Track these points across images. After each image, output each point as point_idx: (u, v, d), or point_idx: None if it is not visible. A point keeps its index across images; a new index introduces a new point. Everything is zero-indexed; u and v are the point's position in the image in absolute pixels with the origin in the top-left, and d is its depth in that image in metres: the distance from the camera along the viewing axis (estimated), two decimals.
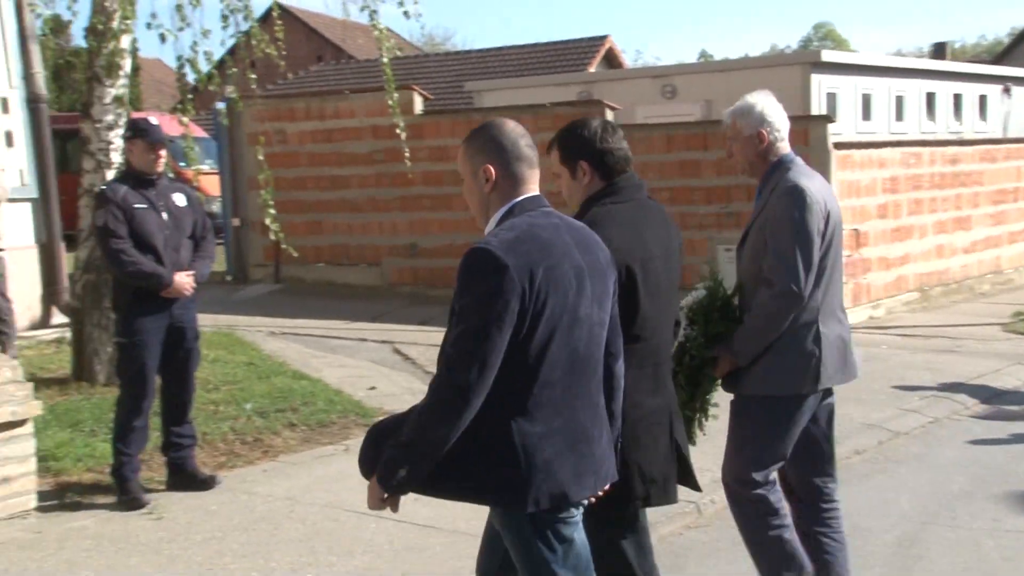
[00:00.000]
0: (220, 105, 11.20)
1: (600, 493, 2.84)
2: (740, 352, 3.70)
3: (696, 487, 3.46)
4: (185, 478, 5.55)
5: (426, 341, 9.97)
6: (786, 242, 3.64)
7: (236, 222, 14.07)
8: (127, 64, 7.07)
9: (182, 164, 15.19)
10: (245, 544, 4.78)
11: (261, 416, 6.91)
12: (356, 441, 6.63)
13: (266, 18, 9.69)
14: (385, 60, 8.49)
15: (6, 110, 9.35)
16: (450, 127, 12.60)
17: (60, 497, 5.42)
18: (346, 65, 15.46)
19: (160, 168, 5.40)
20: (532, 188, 2.86)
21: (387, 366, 9.09)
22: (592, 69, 25.63)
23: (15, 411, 5.08)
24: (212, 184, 16.04)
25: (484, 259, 2.65)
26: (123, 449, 5.28)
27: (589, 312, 2.78)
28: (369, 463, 2.80)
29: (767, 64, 18.60)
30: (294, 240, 13.68)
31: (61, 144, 14.30)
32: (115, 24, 6.92)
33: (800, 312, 3.65)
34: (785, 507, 3.79)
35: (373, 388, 8.07)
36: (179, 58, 7.30)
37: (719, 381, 3.80)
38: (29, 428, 5.20)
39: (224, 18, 7.45)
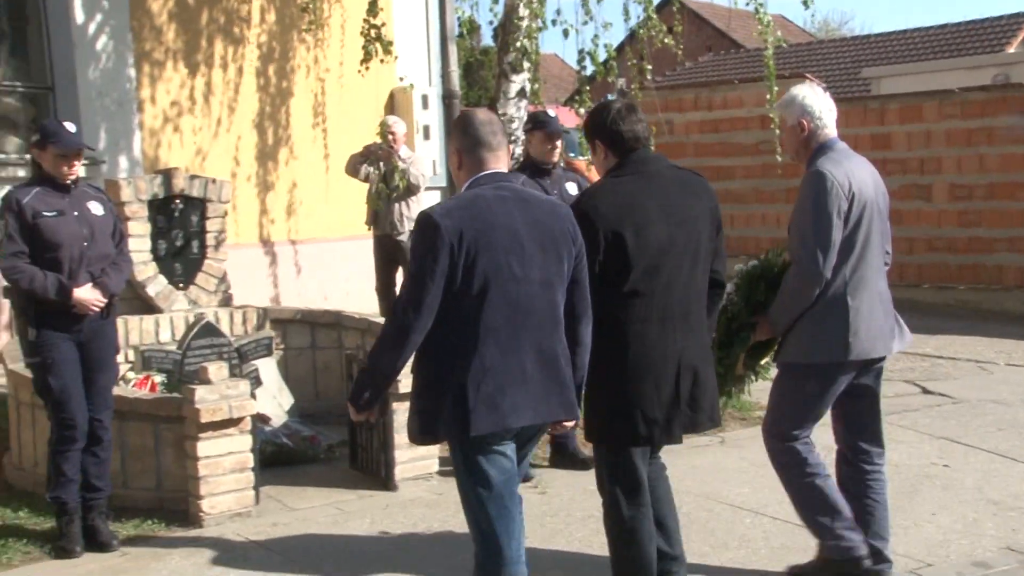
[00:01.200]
0: (613, 97, 11.55)
1: (540, 423, 3.33)
2: (774, 322, 4.11)
3: (697, 429, 3.87)
4: (567, 458, 5.80)
5: None
6: (805, 224, 4.01)
7: None
8: (532, 60, 7.51)
9: (572, 154, 15.83)
10: None
11: None
12: (732, 433, 6.60)
13: (661, 8, 9.81)
14: (769, 52, 8.32)
15: (426, 106, 10.29)
16: (843, 116, 12.05)
17: None
18: (735, 55, 15.30)
19: (555, 158, 5.69)
20: (493, 167, 3.38)
21: None
22: (1011, 50, 23.30)
23: None
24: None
25: (424, 221, 3.26)
26: None
27: (527, 272, 3.27)
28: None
29: None
30: None
31: None
32: (525, 23, 7.36)
33: (827, 287, 3.97)
34: (816, 458, 4.18)
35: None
36: (580, 51, 7.64)
37: (768, 348, 4.23)
38: None
39: (625, 10, 7.69)
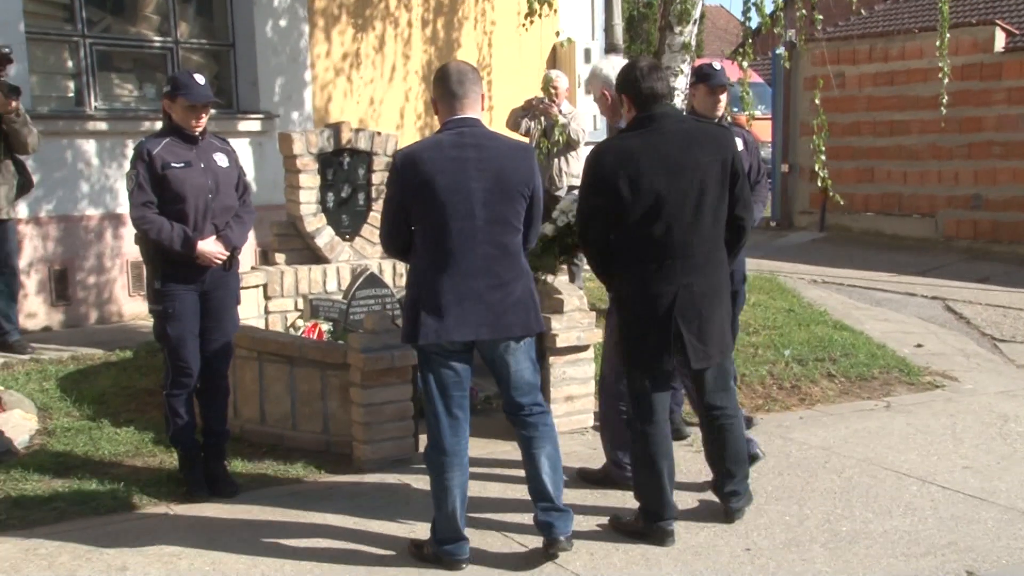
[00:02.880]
0: (779, 50, 11.20)
1: (492, 339, 3.87)
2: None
3: (689, 363, 4.13)
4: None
5: (984, 300, 9.22)
6: None
7: (785, 168, 14.02)
8: (697, 12, 7.33)
9: (735, 109, 15.44)
10: (779, 488, 4.83)
11: (799, 363, 6.89)
12: (898, 398, 6.39)
13: None
14: None
15: (588, 60, 10.22)
16: None
17: None
18: (914, 2, 14.46)
19: (720, 111, 5.54)
20: (460, 113, 3.90)
21: (937, 323, 8.55)
22: None
23: (580, 336, 5.60)
24: (763, 130, 16.12)
25: (392, 156, 3.96)
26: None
27: (472, 208, 3.79)
28: None
29: None
30: (843, 188, 13.29)
31: None
32: None
33: None
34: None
35: (920, 346, 7.65)
36: (745, 2, 7.40)
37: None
38: (590, 353, 5.71)
39: None
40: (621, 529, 4.30)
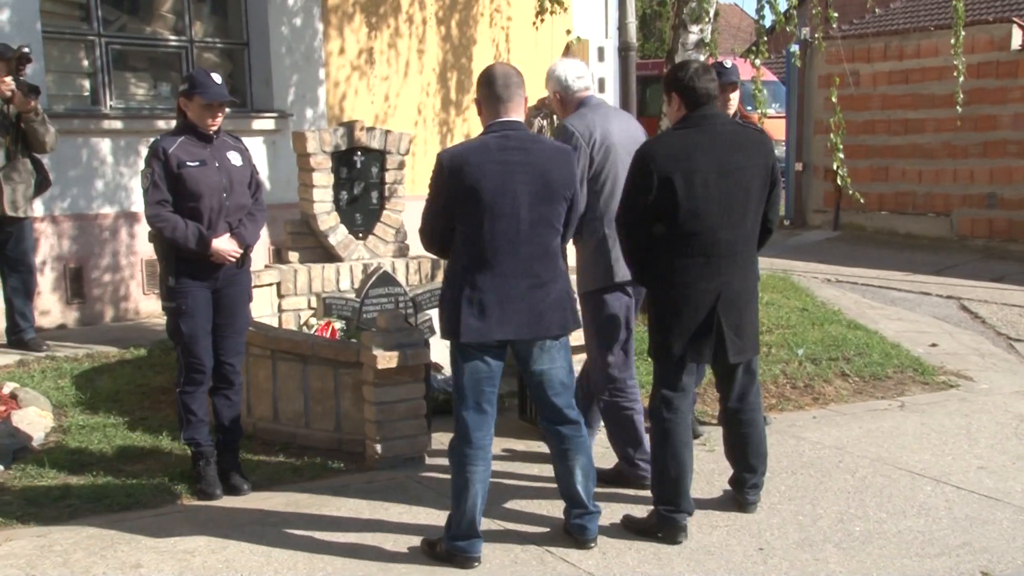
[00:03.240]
0: (794, 47, 11.17)
1: (531, 337, 3.93)
2: None
3: (726, 357, 4.22)
4: None
5: (1000, 300, 9.18)
6: None
7: (799, 167, 13.98)
8: (711, 10, 7.31)
9: (748, 108, 15.40)
10: (792, 487, 4.82)
11: (813, 362, 6.87)
12: (912, 398, 6.36)
13: None
14: None
15: (601, 58, 10.22)
16: None
17: None
18: (930, 0, 14.39)
19: (732, 109, 5.54)
20: (504, 116, 3.94)
21: (951, 323, 8.52)
22: None
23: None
24: (777, 128, 16.08)
25: (438, 158, 3.92)
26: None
27: (516, 210, 3.84)
28: None
29: None
30: (857, 186, 13.24)
31: (642, 89, 15.26)
32: None
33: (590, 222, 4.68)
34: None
35: (934, 345, 7.62)
36: (759, 0, 7.38)
37: None
38: None
39: None
40: (633, 527, 4.32)
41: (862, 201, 9.12)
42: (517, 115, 3.98)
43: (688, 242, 4.14)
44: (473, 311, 3.85)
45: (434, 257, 7.22)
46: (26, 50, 6.62)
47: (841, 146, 7.67)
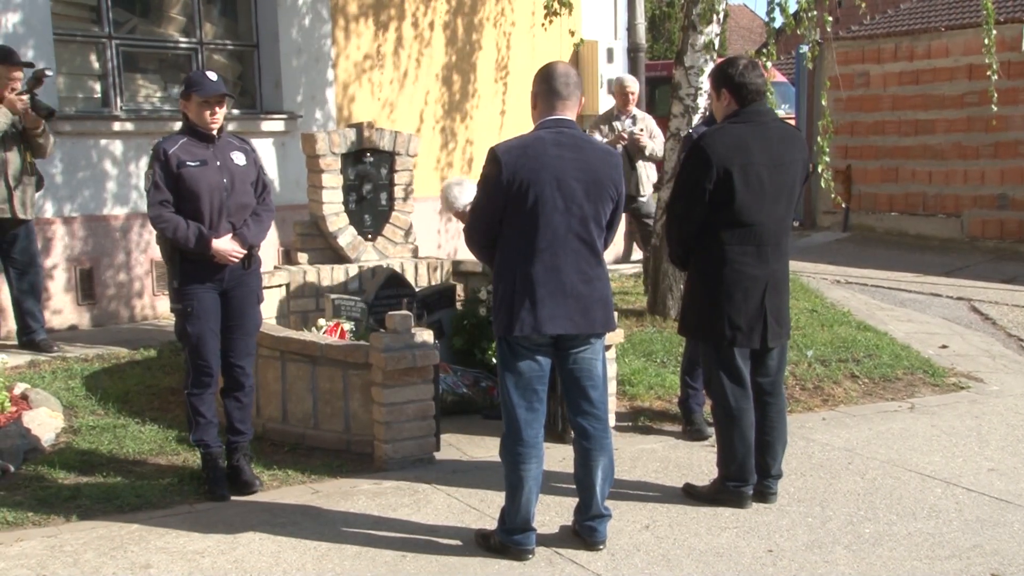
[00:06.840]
0: (803, 49, 11.14)
1: (578, 332, 3.93)
2: None
3: (767, 346, 4.46)
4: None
5: (1010, 301, 9.14)
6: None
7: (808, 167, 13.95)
8: (721, 9, 7.30)
9: None
10: (801, 489, 4.81)
11: (822, 364, 6.86)
12: (922, 399, 6.34)
13: None
14: None
15: (610, 59, 10.22)
16: None
17: (634, 420, 5.92)
18: (940, 1, 14.34)
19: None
20: (560, 113, 3.95)
21: (962, 324, 8.49)
22: None
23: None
24: None
25: (490, 153, 3.92)
26: (690, 383, 5.57)
27: (569, 206, 3.86)
28: None
29: None
30: (866, 187, 13.21)
31: (650, 90, 15.25)
32: None
33: None
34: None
35: (944, 347, 7.60)
36: (770, 2, 7.37)
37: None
38: (612, 353, 5.70)
39: None
40: (696, 494, 4.64)
41: (844, 205, 9.13)
42: (571, 114, 4.00)
43: (742, 232, 4.34)
44: (526, 305, 3.87)
45: (442, 257, 7.25)
46: (49, 73, 6.72)
47: (828, 149, 7.71)
